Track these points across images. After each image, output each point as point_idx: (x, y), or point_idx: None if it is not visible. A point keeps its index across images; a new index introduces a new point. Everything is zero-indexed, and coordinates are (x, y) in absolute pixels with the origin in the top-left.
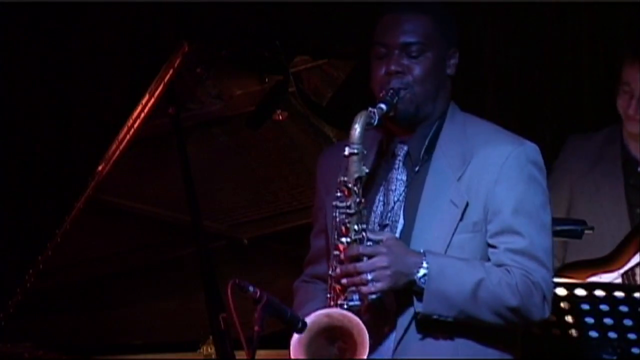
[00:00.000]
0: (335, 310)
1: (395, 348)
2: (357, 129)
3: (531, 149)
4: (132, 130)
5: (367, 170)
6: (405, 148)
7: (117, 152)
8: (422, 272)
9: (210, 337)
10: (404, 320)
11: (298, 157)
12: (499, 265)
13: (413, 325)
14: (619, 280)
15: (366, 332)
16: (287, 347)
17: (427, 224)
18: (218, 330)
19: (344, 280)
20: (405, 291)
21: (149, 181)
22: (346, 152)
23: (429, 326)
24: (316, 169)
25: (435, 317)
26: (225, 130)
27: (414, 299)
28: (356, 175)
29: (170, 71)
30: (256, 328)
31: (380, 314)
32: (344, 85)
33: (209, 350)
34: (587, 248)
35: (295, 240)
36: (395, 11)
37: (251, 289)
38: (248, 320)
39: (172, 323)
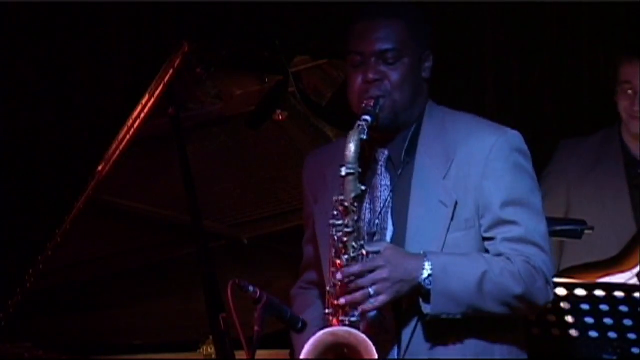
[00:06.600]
0: (339, 328)
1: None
2: (351, 149)
3: (513, 137)
4: (132, 130)
5: (363, 188)
6: (386, 152)
7: (117, 152)
8: (426, 273)
9: (210, 337)
10: (408, 327)
11: (298, 157)
12: (499, 255)
13: (418, 330)
14: (634, 281)
15: (374, 348)
16: (287, 347)
17: (419, 227)
18: (218, 330)
19: (342, 300)
20: (408, 298)
21: (149, 181)
22: (343, 173)
23: (435, 328)
24: (302, 176)
25: (444, 316)
26: (225, 130)
27: (421, 301)
28: (353, 195)
29: (170, 71)
30: (256, 328)
31: (380, 328)
32: (344, 85)
33: (209, 350)
34: (591, 249)
35: (295, 240)
36: (369, 18)
37: (251, 289)
38: (248, 320)
39: (172, 323)
